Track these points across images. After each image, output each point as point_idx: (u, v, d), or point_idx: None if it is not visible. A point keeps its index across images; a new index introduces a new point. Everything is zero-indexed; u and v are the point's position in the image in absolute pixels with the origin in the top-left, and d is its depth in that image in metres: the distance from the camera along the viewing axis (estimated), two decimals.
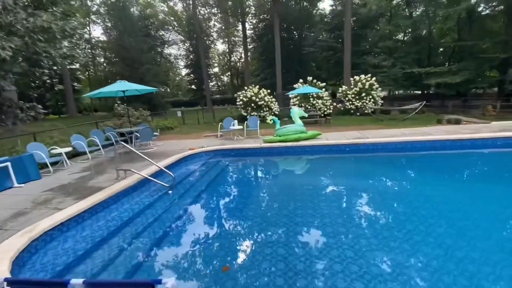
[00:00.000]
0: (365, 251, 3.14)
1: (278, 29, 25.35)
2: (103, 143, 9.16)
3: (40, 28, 7.51)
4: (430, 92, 25.16)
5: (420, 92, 26.85)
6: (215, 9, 36.73)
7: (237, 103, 16.16)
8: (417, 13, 25.94)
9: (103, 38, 39.24)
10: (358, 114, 16.13)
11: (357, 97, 16.10)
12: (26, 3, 8.61)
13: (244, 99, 15.67)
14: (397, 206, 4.66)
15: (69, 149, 7.92)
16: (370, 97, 15.83)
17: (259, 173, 7.78)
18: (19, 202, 4.78)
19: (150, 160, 5.78)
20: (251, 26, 37.94)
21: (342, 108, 17.06)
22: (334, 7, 31.43)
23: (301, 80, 16.76)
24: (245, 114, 15.60)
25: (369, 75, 16.15)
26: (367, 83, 15.77)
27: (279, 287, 2.66)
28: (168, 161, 6.97)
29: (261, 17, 36.66)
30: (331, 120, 13.78)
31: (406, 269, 2.82)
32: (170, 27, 42.36)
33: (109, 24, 36.09)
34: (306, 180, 6.75)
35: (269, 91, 16.18)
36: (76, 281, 1.39)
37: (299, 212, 4.39)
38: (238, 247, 3.60)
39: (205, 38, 39.03)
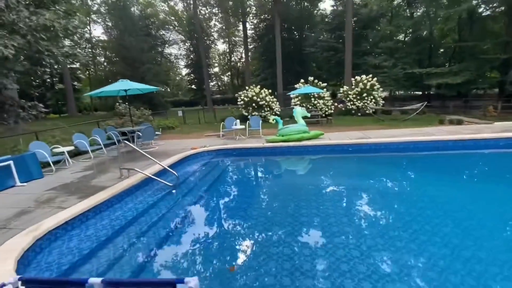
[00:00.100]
0: (372, 251, 3.14)
1: (279, 29, 25.35)
2: (104, 142, 9.14)
3: (42, 27, 7.48)
4: (431, 92, 25.20)
5: (421, 92, 26.83)
6: (216, 9, 36.65)
7: (238, 103, 16.14)
8: (418, 13, 25.92)
9: (103, 37, 39.29)
10: (359, 114, 16.12)
11: (358, 97, 16.11)
12: (28, 2, 8.60)
13: (245, 99, 15.66)
14: (402, 206, 4.65)
15: (71, 148, 7.93)
16: (372, 97, 15.84)
17: (262, 173, 7.76)
18: (22, 201, 4.77)
19: (154, 159, 5.77)
20: (252, 26, 37.90)
21: (343, 108, 17.06)
22: (335, 7, 31.40)
23: (302, 80, 16.77)
24: (246, 114, 15.59)
25: (370, 75, 16.15)
26: (368, 84, 15.78)
27: (286, 287, 2.66)
28: (171, 160, 6.96)
29: (262, 17, 36.59)
30: (333, 120, 13.77)
31: (413, 269, 2.82)
32: (171, 27, 42.30)
33: (109, 24, 36.07)
34: (309, 180, 6.73)
35: (270, 91, 16.16)
36: (95, 280, 1.35)
37: (303, 211, 4.37)
38: (243, 247, 3.59)
39: (205, 38, 39.01)
